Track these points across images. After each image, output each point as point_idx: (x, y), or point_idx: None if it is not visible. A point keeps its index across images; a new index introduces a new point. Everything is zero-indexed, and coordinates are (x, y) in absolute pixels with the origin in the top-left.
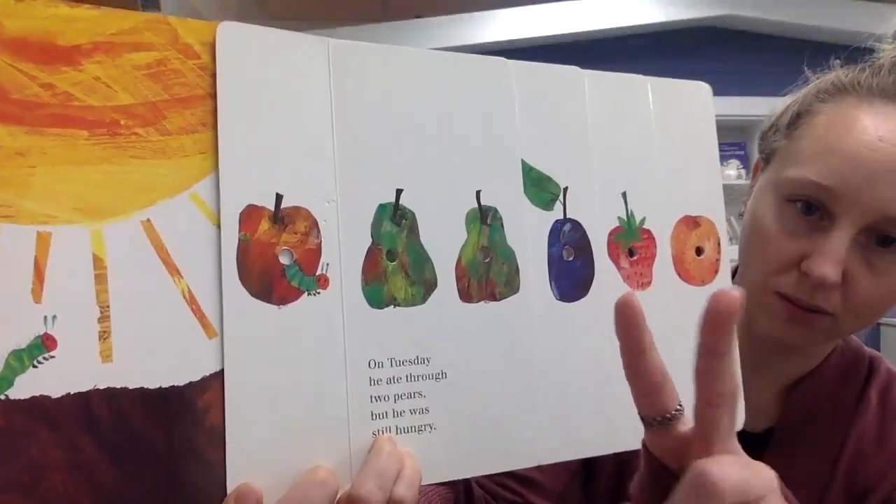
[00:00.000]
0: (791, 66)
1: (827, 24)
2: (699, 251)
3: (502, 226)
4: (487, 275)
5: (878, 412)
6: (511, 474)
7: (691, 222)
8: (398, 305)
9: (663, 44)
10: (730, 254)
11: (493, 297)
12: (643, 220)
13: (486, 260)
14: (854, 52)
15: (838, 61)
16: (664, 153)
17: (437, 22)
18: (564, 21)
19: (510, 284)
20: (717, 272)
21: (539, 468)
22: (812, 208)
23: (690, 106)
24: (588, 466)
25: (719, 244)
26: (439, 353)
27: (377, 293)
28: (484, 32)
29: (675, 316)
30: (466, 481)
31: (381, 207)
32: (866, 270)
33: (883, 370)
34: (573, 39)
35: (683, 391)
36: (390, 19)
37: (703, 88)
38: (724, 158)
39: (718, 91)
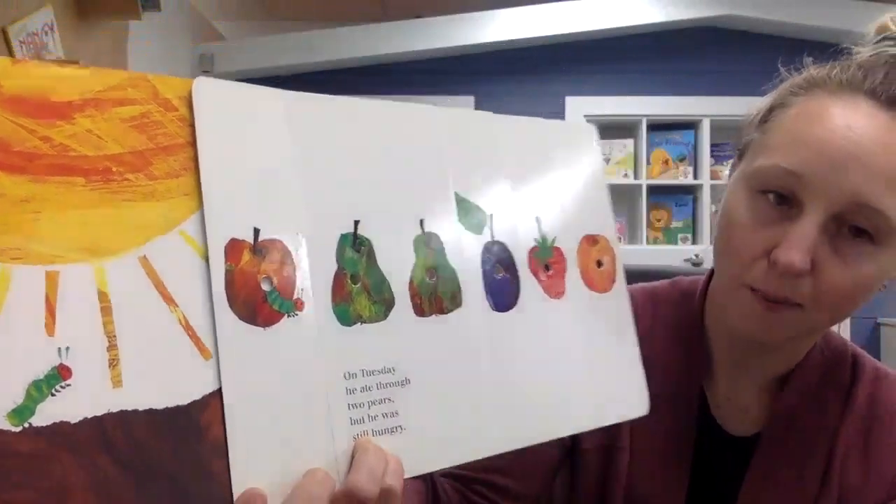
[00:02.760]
0: (791, 67)
1: (827, 24)
2: (599, 264)
3: (444, 248)
4: (436, 292)
5: (866, 415)
6: (484, 482)
7: (592, 240)
8: (364, 322)
9: (663, 44)
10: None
11: (442, 311)
12: (554, 240)
13: (433, 279)
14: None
15: (811, 59)
16: (564, 183)
17: (437, 22)
18: (564, 21)
19: (454, 299)
20: (614, 281)
21: (510, 476)
22: (783, 198)
23: (581, 143)
24: (573, 459)
25: (614, 257)
26: (402, 362)
27: (346, 312)
28: (484, 32)
29: (584, 319)
30: (431, 478)
31: (343, 237)
32: (836, 260)
33: (869, 369)
34: (573, 39)
35: (599, 381)
36: (390, 19)
37: (590, 128)
38: (723, 158)
39: (719, 91)
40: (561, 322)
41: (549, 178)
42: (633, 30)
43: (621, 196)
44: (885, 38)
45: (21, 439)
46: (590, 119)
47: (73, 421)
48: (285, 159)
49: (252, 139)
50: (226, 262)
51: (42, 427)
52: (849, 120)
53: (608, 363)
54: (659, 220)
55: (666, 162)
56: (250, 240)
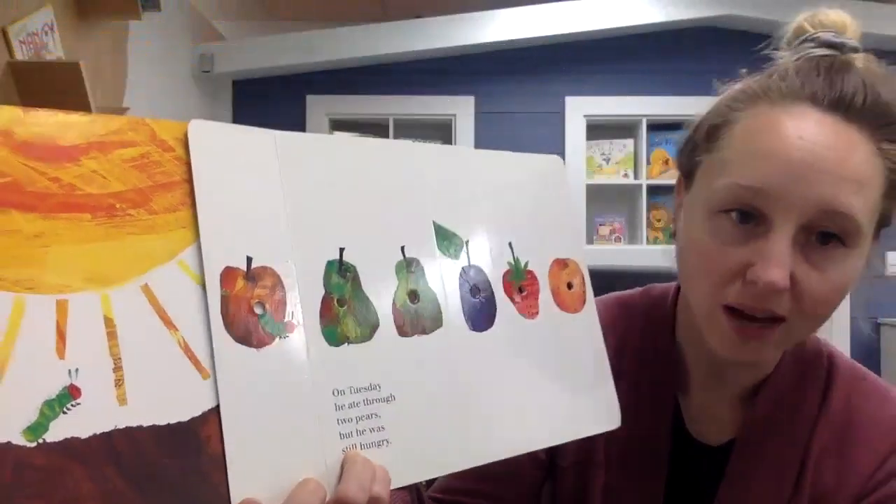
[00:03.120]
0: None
1: None
2: (570, 286)
3: (424, 273)
4: (417, 314)
5: (842, 418)
6: (466, 491)
7: (562, 263)
8: (351, 342)
9: (663, 44)
10: None
11: (424, 332)
12: (527, 264)
13: (415, 302)
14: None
15: (744, 70)
16: (535, 211)
17: (437, 22)
18: (564, 21)
19: (435, 320)
20: (584, 301)
21: (494, 499)
22: (746, 216)
23: (551, 174)
24: (552, 476)
25: (584, 279)
26: (387, 380)
27: (333, 333)
28: (484, 32)
29: (557, 338)
30: (417, 490)
31: (329, 263)
32: (811, 269)
33: (845, 372)
34: (573, 39)
35: (572, 396)
36: (390, 19)
37: (556, 160)
38: None
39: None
40: (535, 341)
41: (521, 206)
42: (633, 30)
43: (621, 196)
44: (805, 41)
45: (36, 454)
46: (590, 119)
47: (83, 436)
48: (275, 193)
49: (244, 175)
50: (221, 288)
51: (55, 442)
52: (798, 129)
53: (580, 379)
54: (659, 220)
55: (666, 162)
56: (244, 267)
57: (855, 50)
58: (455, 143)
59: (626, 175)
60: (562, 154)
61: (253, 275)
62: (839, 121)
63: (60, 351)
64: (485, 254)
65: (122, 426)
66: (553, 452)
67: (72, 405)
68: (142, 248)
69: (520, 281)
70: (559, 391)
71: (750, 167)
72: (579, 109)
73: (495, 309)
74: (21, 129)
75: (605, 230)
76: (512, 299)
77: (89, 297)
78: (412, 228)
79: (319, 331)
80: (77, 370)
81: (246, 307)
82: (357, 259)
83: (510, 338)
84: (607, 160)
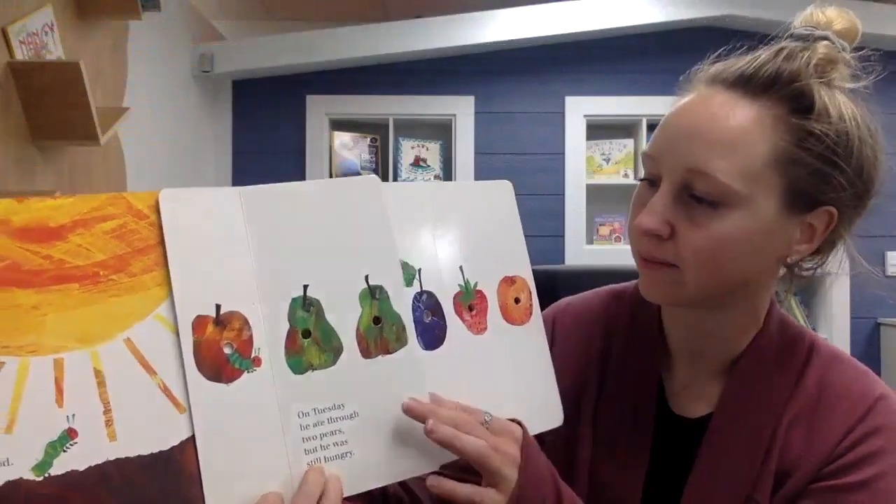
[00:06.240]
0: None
1: None
2: (517, 300)
3: (388, 298)
4: (381, 335)
5: (814, 395)
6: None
7: (509, 280)
8: (315, 369)
9: (663, 44)
10: None
11: (388, 351)
12: (476, 284)
13: (379, 325)
14: (852, 51)
15: (713, 56)
16: (484, 234)
17: (437, 22)
18: (564, 21)
19: (400, 340)
20: (531, 314)
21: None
22: (653, 182)
23: (498, 199)
24: (540, 443)
25: (531, 293)
26: (350, 399)
27: (298, 363)
28: (484, 32)
29: (505, 349)
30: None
31: (294, 300)
32: (689, 224)
33: (825, 354)
34: (573, 39)
35: (519, 400)
36: (390, 19)
37: (506, 185)
38: None
39: None
40: (485, 353)
41: (472, 231)
42: (633, 30)
43: (621, 196)
44: (787, 36)
45: (43, 486)
46: (590, 119)
47: (81, 469)
48: (241, 243)
49: (211, 231)
50: (193, 335)
51: (57, 475)
52: (691, 104)
53: (527, 384)
54: None
55: None
56: (213, 314)
57: (823, 39)
58: (455, 143)
59: (626, 175)
60: (562, 154)
61: (221, 319)
62: (738, 96)
63: (59, 401)
64: (437, 279)
65: (112, 458)
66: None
67: (70, 444)
68: (124, 307)
69: (469, 300)
70: (508, 396)
71: (651, 139)
72: (579, 109)
73: (445, 328)
74: (17, 217)
75: (605, 230)
76: (462, 318)
77: (81, 354)
78: (376, 257)
79: (284, 362)
80: (73, 415)
81: (216, 349)
82: (321, 292)
83: (461, 353)
84: (607, 160)
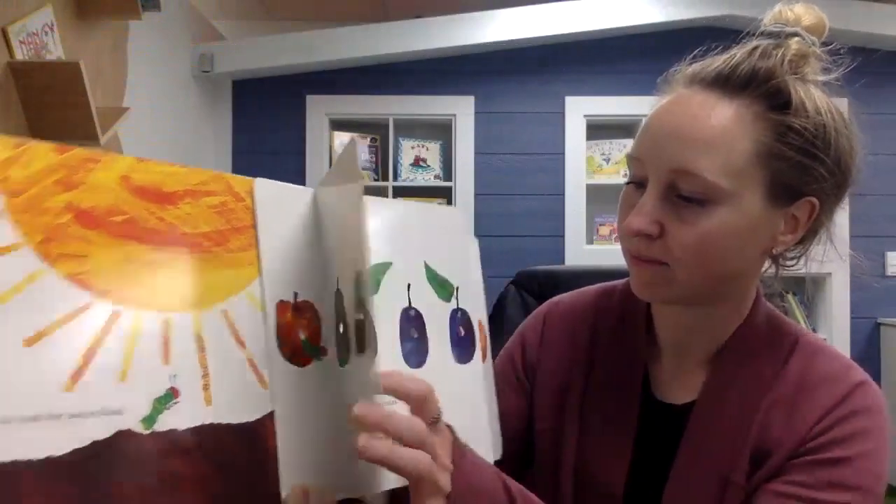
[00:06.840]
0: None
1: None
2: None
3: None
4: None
5: (796, 382)
6: None
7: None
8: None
9: (663, 44)
10: None
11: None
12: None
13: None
14: (852, 51)
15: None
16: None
17: (437, 22)
18: (564, 21)
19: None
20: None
21: None
22: (639, 184)
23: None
24: (530, 430)
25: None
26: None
27: (344, 360)
28: (484, 32)
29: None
30: None
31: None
32: (678, 221)
33: (808, 345)
34: (573, 39)
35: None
36: (390, 19)
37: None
38: None
39: None
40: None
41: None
42: (633, 30)
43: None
44: (759, 33)
45: (148, 440)
46: (590, 119)
47: (180, 429)
48: (311, 240)
49: (292, 224)
50: (276, 317)
51: (161, 432)
52: (672, 105)
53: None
54: None
55: None
56: (292, 301)
57: (793, 35)
58: (455, 143)
59: (625, 175)
60: (562, 154)
61: (298, 306)
62: (717, 96)
63: (165, 359)
64: (471, 298)
65: (207, 422)
66: (531, 416)
67: (173, 403)
68: (223, 280)
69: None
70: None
71: (637, 140)
72: (579, 109)
73: (476, 344)
74: (136, 176)
75: (605, 230)
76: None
77: (186, 316)
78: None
79: (336, 355)
80: (176, 375)
81: (293, 334)
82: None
83: (483, 370)
84: (607, 160)
